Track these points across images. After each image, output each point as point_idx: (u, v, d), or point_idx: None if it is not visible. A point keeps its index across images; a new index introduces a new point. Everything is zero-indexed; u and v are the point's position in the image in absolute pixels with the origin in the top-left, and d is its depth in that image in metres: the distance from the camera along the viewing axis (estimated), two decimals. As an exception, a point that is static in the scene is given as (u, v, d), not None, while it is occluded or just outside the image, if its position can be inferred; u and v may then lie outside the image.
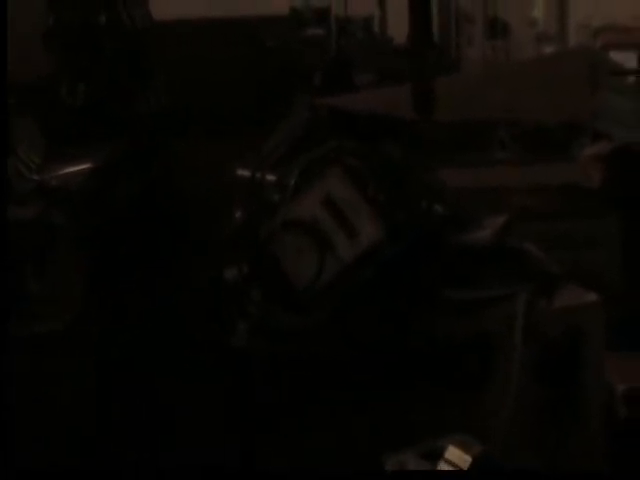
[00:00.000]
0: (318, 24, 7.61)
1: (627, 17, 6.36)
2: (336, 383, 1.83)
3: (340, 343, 1.83)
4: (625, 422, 2.30)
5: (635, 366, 2.63)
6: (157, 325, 2.53)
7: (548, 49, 6.47)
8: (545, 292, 1.94)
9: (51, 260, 2.86)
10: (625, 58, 4.93)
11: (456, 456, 1.26)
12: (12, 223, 2.89)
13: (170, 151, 5.00)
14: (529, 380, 1.88)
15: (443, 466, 1.27)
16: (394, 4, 8.09)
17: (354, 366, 1.83)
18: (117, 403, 2.28)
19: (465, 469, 1.23)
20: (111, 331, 2.58)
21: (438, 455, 1.26)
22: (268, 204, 1.96)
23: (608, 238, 3.08)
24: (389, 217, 1.88)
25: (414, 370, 1.85)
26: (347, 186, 1.88)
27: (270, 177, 2.01)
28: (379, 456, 1.37)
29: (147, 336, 2.48)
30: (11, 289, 2.54)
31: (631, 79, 3.71)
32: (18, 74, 4.46)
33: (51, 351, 2.53)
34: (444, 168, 2.64)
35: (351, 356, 1.83)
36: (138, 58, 5.23)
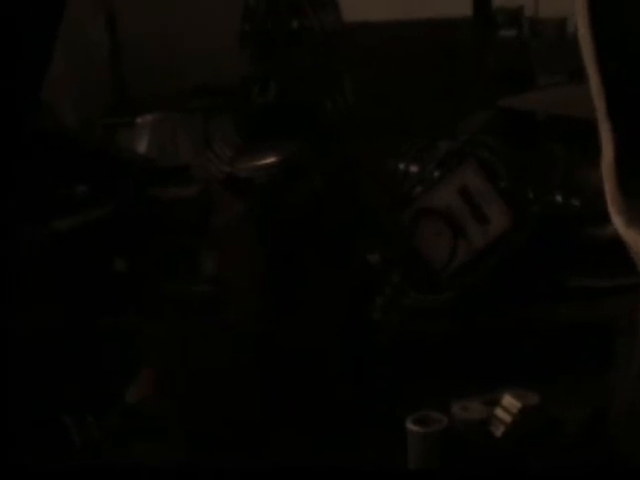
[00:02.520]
0: (509, 25, 7.61)
1: None
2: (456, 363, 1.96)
3: (465, 323, 1.97)
4: None
5: None
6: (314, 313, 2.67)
7: None
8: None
9: (229, 246, 3.13)
10: None
11: (509, 403, 1.39)
12: (201, 207, 3.20)
13: (351, 151, 5.20)
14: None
15: (499, 411, 1.41)
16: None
17: (473, 346, 1.97)
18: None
19: (515, 414, 1.36)
20: (282, 319, 2.75)
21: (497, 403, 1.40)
22: (410, 193, 2.13)
23: None
24: (520, 208, 2.01)
25: (534, 352, 1.96)
26: (481, 178, 2.02)
27: (413, 168, 2.18)
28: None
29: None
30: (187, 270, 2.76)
31: None
32: (215, 78, 4.82)
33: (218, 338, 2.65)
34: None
35: (472, 335, 1.97)
36: (327, 60, 5.46)
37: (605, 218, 2.29)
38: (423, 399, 1.81)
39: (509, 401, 1.42)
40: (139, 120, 2.89)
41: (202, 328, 2.65)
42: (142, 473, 1.55)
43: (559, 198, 2.11)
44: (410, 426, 1.46)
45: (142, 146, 3.16)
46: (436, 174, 2.08)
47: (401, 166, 2.18)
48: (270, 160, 4.30)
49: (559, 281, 1.98)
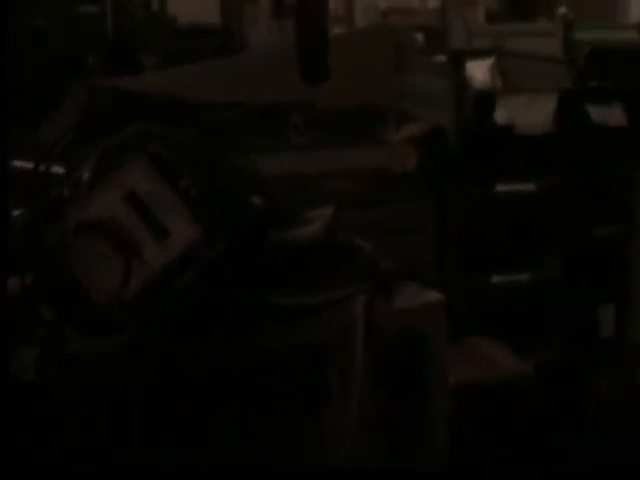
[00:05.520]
0: (92, 1, 7.07)
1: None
2: (150, 412, 1.53)
3: (153, 366, 1.53)
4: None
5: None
6: None
7: (337, 30, 6.33)
8: (383, 292, 1.73)
9: None
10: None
11: None
12: None
13: None
14: (371, 388, 1.68)
15: None
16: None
17: (170, 390, 1.54)
18: None
19: None
20: None
21: None
22: (57, 201, 1.62)
23: (422, 223, 2.95)
24: (205, 214, 1.59)
25: (242, 390, 1.58)
26: (154, 178, 1.57)
27: (58, 169, 1.67)
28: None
29: None
30: None
31: (435, 58, 3.60)
32: None
33: None
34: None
35: (166, 379, 1.54)
36: None
37: (291, 219, 1.97)
38: None
39: None
40: None
41: None
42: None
43: (241, 197, 1.73)
44: None
45: None
46: (90, 176, 1.59)
47: (41, 167, 1.65)
48: None
49: (260, 300, 1.60)
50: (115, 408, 1.48)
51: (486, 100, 2.97)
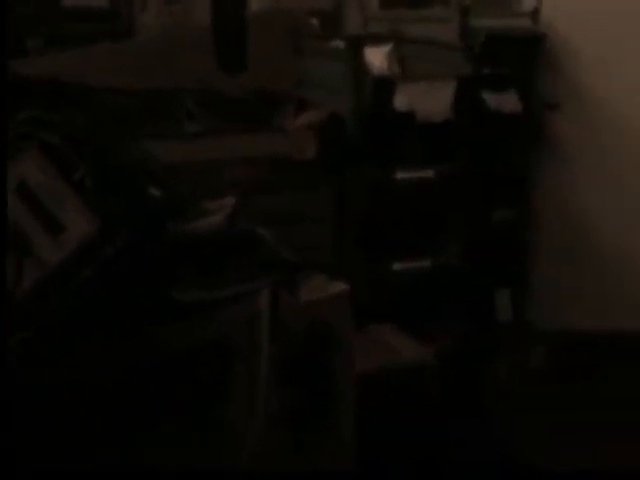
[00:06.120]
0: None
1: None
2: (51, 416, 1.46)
3: (52, 366, 1.45)
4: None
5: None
6: None
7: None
8: (288, 285, 1.69)
9: None
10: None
11: None
12: None
13: None
14: (278, 384, 1.64)
15: None
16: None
17: (69, 392, 1.47)
18: None
19: None
20: None
21: None
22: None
23: (322, 210, 2.92)
24: (101, 205, 1.52)
25: (145, 388, 1.52)
26: (47, 170, 1.49)
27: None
28: None
29: None
30: None
31: (332, 44, 3.57)
32: None
33: None
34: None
35: (65, 380, 1.47)
36: None
37: (191, 210, 1.91)
38: None
39: None
40: None
41: None
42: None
43: (138, 187, 1.66)
44: None
45: None
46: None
47: None
48: None
49: (160, 296, 1.54)
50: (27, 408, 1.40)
51: (385, 86, 2.96)
